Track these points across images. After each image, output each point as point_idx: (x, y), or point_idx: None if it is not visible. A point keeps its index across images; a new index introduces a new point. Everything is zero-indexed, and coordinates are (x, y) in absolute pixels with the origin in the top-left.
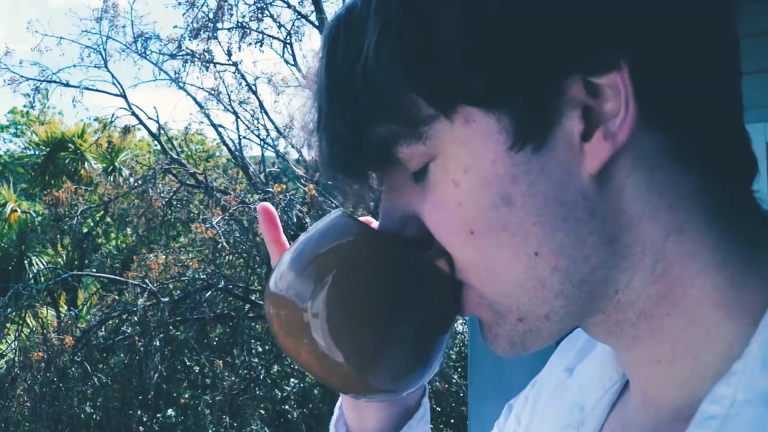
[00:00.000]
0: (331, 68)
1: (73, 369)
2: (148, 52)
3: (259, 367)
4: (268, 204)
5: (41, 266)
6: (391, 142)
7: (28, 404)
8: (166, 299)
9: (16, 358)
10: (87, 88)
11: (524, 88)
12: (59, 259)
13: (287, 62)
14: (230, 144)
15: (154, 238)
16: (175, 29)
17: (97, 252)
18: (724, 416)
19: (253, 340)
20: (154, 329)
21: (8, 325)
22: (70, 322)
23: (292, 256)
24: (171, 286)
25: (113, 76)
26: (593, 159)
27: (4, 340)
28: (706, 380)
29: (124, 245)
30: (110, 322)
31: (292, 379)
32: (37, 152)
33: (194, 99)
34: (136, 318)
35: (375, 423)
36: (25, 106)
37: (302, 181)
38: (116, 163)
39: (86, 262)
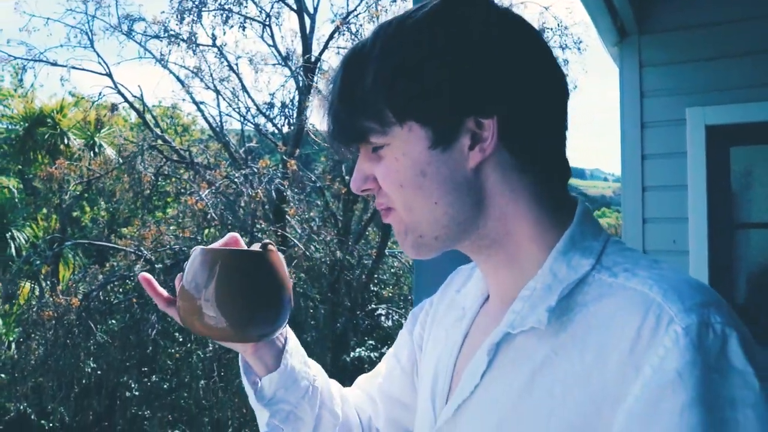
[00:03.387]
0: (344, 81)
1: (77, 329)
2: (133, 33)
3: None
4: (146, 274)
5: (22, 240)
6: (368, 130)
7: (32, 361)
8: (160, 266)
9: (30, 317)
10: (74, 68)
11: (444, 118)
12: (40, 233)
13: (267, 43)
14: (211, 120)
15: (137, 211)
16: (162, 14)
17: (76, 225)
18: (530, 296)
19: None
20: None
21: (22, 284)
22: (73, 285)
23: (186, 277)
24: (164, 254)
25: (99, 56)
26: (472, 160)
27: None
28: (526, 280)
29: (104, 217)
30: (108, 287)
31: None
32: (9, 126)
33: (177, 78)
34: (132, 283)
35: (270, 360)
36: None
37: (283, 156)
38: (96, 139)
39: (67, 234)
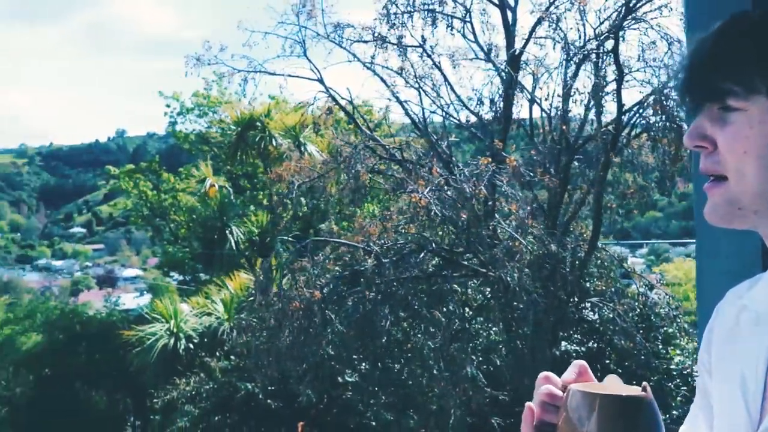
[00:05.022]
0: (718, 44)
1: (317, 319)
2: (342, 40)
3: (463, 320)
4: (530, 404)
5: (241, 235)
6: (729, 92)
7: (273, 350)
8: (387, 260)
9: (281, 307)
10: (290, 75)
11: None
12: (255, 228)
13: (468, 39)
14: (414, 117)
15: (354, 209)
16: (374, 20)
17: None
18: None
19: (449, 302)
20: (378, 285)
21: (277, 276)
22: (313, 279)
23: (570, 415)
24: (390, 249)
25: (311, 62)
26: None
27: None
28: None
29: (333, 214)
30: (341, 281)
31: (485, 333)
32: (219, 130)
33: (383, 80)
34: (366, 276)
35: None
36: (205, 88)
37: (501, 152)
38: (301, 139)
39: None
